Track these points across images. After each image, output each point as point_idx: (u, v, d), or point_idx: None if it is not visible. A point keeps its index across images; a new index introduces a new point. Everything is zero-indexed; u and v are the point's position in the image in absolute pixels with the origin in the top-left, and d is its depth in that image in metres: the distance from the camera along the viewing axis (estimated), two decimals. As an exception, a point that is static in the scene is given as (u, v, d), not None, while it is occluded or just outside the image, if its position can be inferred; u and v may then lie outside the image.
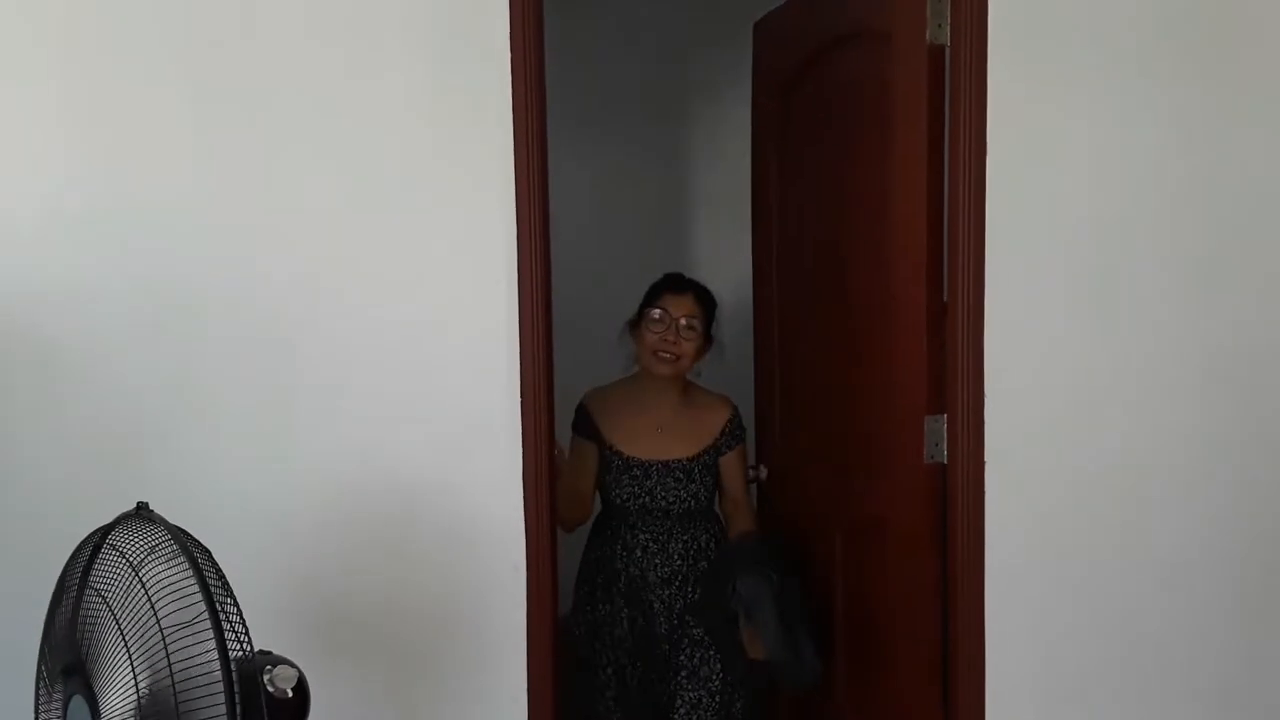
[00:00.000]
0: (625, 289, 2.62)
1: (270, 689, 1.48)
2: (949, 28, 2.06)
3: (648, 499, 2.50)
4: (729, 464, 2.59)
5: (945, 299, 2.12)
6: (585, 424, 2.58)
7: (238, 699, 1.38)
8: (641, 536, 2.53)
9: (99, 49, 1.99)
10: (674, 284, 2.52)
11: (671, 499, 2.51)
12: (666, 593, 2.52)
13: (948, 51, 2.07)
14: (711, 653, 2.49)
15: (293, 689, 1.50)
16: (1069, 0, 2.04)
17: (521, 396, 2.09)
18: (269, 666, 1.49)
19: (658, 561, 2.53)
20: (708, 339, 2.52)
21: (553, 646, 2.15)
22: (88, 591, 1.46)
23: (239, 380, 2.05)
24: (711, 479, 2.56)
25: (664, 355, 2.45)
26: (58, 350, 2.01)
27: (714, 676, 2.50)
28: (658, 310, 2.47)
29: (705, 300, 2.52)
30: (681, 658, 2.50)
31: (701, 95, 3.57)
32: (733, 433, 2.58)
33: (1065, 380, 2.08)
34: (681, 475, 2.51)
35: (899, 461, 2.20)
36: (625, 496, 2.52)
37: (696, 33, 3.42)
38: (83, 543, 1.50)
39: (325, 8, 2.03)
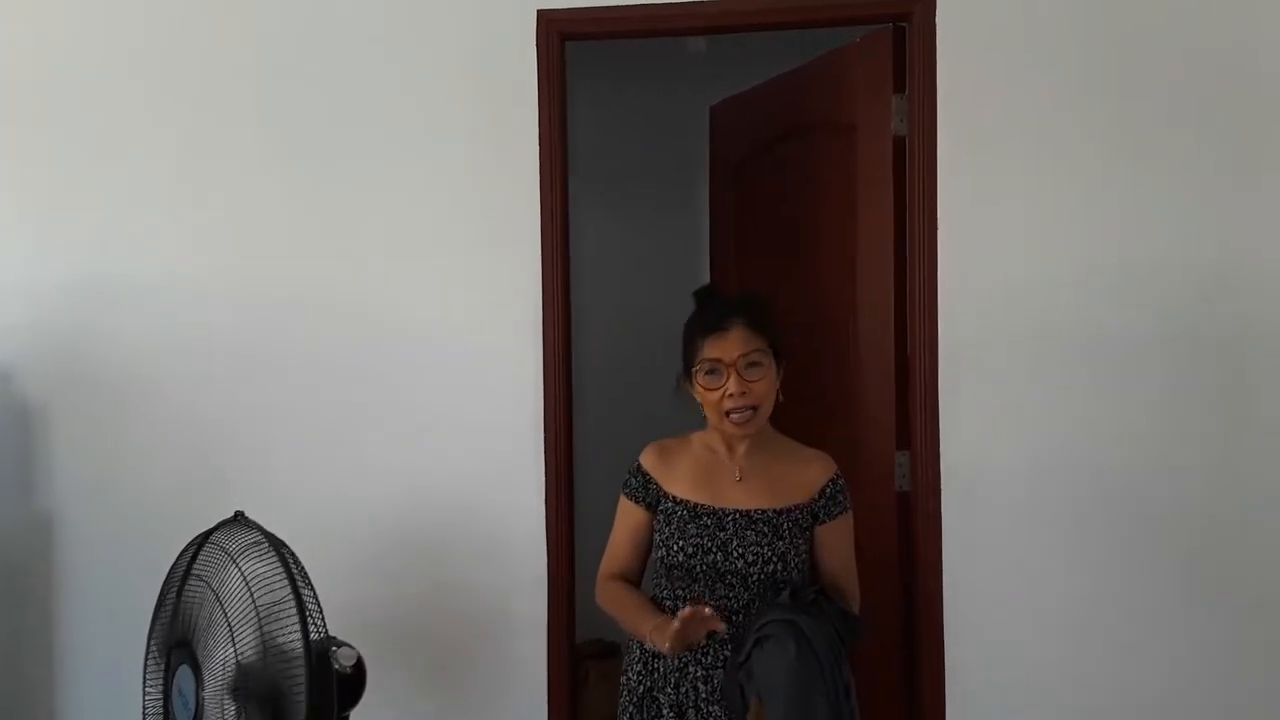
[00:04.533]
0: (651, 332, 2.85)
1: (335, 665, 1.85)
2: (907, 121, 2.43)
3: (719, 555, 1.92)
4: (830, 536, 2.00)
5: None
6: (639, 485, 2.04)
7: (313, 670, 1.73)
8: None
9: (214, 142, 2.49)
10: (710, 324, 1.96)
11: (751, 557, 1.91)
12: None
13: (906, 142, 2.44)
14: None
15: (352, 666, 1.87)
16: (1005, 95, 2.37)
17: (544, 423, 2.48)
18: (333, 647, 1.86)
19: (727, 655, 1.91)
20: (779, 356, 1.99)
21: (570, 643, 2.52)
22: (194, 580, 1.83)
23: (308, 415, 2.47)
24: (804, 544, 1.97)
25: (737, 416, 1.93)
26: (162, 390, 2.46)
27: None
28: (707, 363, 1.94)
29: (756, 321, 1.96)
30: None
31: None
32: (833, 496, 2.00)
33: (1007, 421, 2.41)
34: (766, 529, 1.93)
35: (872, 491, 2.52)
36: (691, 550, 1.93)
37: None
38: (190, 543, 1.89)
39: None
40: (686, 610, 1.79)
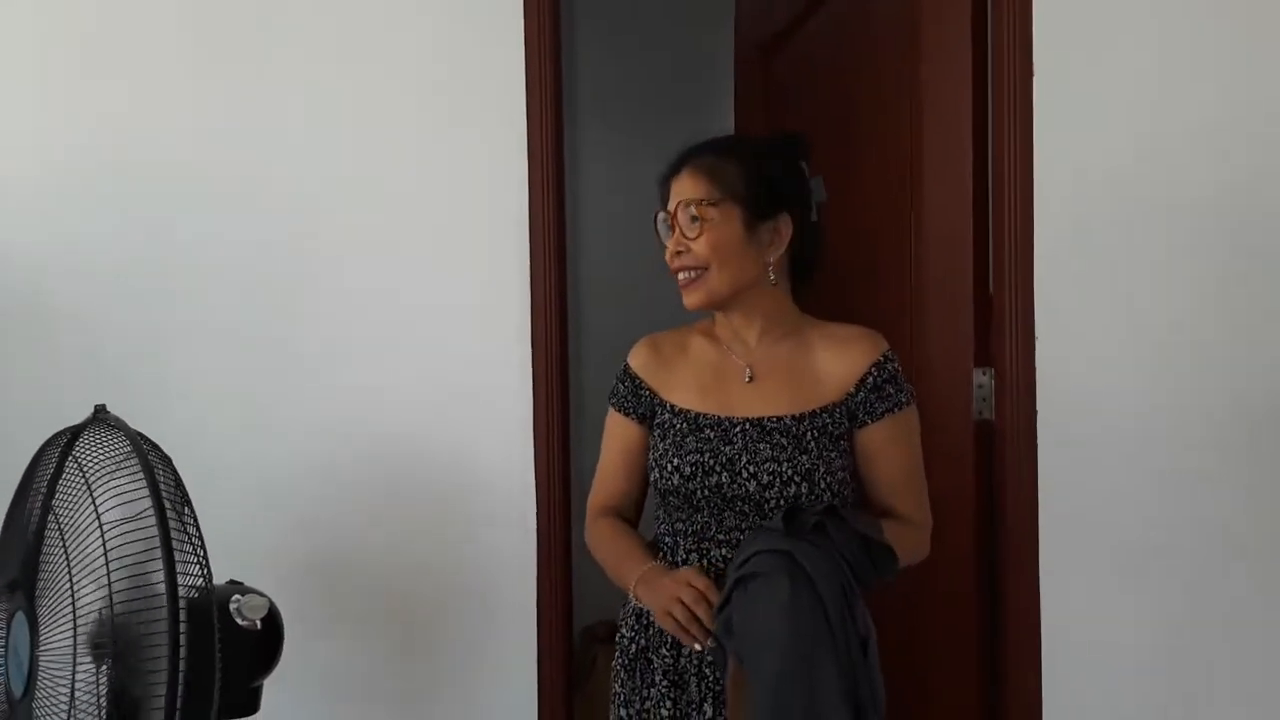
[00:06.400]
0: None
1: (239, 620, 1.37)
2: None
3: (725, 476, 1.48)
4: (877, 443, 1.52)
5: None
6: (628, 392, 1.61)
7: (184, 625, 1.23)
8: (716, 554, 1.49)
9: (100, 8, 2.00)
10: (671, 167, 1.56)
11: (766, 477, 1.47)
12: None
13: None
14: None
15: (262, 620, 1.40)
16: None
17: (533, 349, 1.99)
18: (237, 595, 1.39)
19: None
20: (761, 212, 1.50)
21: (567, 611, 2.03)
22: (34, 497, 1.36)
23: (243, 338, 2.01)
24: (838, 458, 1.50)
25: (680, 279, 1.52)
26: (56, 309, 1.99)
27: None
28: (661, 213, 1.56)
29: (713, 164, 1.51)
30: None
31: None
32: (878, 386, 1.51)
33: (1125, 331, 1.88)
34: (785, 441, 1.48)
35: (942, 421, 2.01)
36: (689, 471, 1.49)
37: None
38: (42, 447, 1.40)
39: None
40: (687, 575, 1.41)
